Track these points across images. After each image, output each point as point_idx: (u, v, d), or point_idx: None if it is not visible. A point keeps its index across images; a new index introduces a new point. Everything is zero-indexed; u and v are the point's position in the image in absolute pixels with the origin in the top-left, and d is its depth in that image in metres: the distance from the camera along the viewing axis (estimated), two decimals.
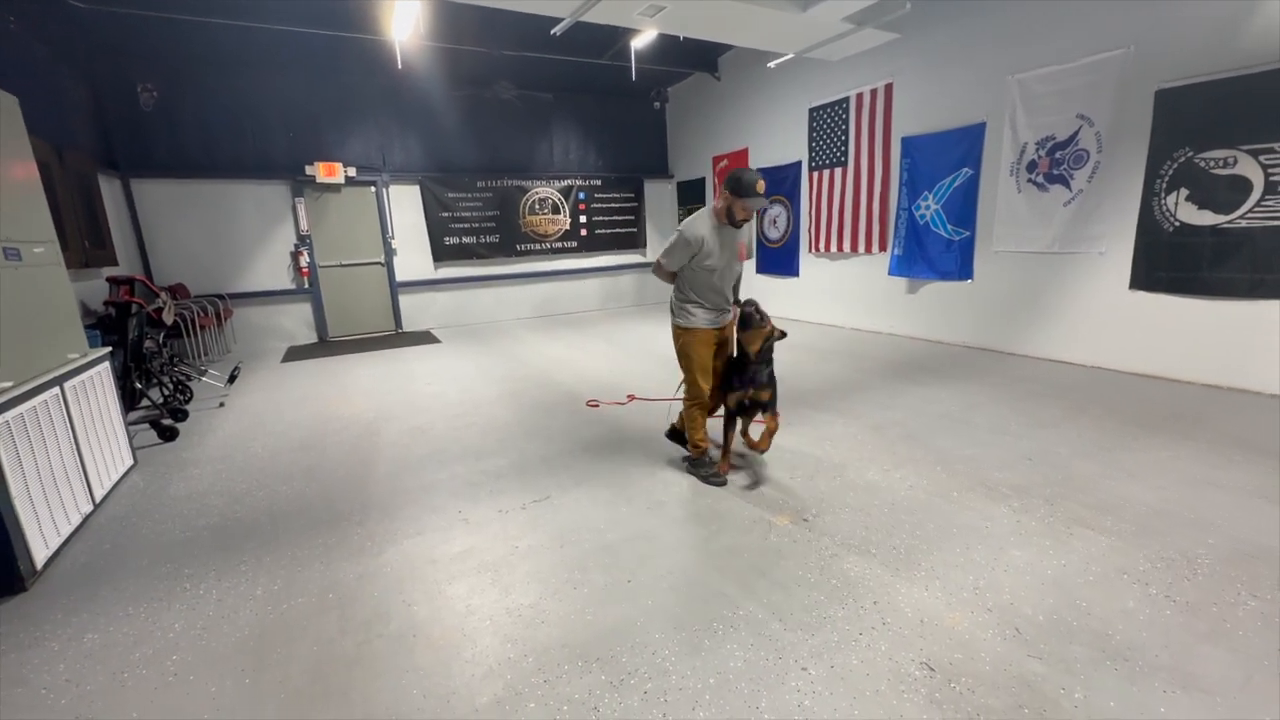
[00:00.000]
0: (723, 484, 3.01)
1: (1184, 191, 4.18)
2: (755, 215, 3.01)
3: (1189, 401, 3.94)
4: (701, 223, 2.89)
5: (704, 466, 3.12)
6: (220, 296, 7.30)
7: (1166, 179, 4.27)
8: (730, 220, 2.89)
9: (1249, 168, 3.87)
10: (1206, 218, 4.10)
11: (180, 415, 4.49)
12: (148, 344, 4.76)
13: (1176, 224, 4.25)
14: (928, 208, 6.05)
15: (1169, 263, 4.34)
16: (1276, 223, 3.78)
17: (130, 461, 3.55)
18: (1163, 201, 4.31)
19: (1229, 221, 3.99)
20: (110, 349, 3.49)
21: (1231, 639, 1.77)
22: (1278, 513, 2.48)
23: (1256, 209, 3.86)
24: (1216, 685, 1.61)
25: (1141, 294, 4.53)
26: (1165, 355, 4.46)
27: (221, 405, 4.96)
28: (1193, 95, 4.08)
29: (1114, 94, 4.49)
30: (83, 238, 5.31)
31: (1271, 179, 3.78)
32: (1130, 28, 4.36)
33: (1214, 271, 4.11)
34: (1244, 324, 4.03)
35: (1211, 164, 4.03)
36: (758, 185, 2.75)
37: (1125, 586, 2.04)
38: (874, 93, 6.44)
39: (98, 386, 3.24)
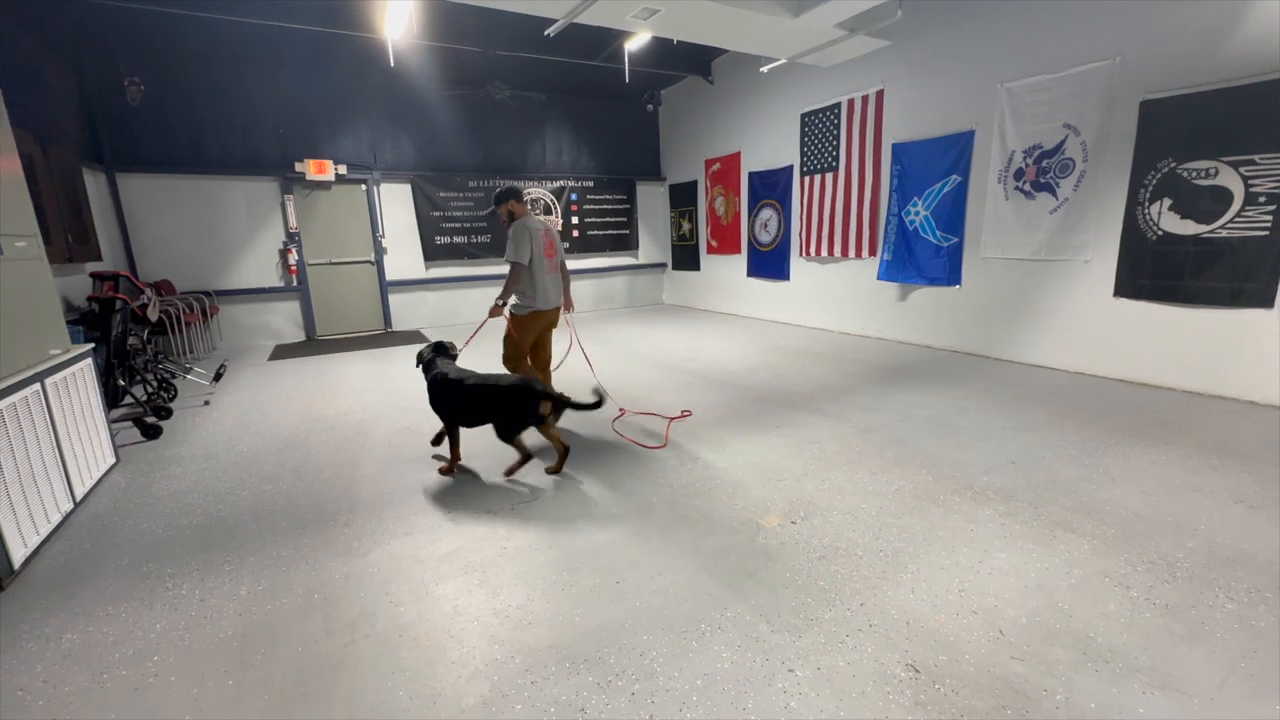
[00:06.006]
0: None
1: (1167, 201, 4.26)
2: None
3: (1170, 408, 4.00)
4: None
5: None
6: (206, 293, 7.22)
7: (1150, 188, 4.34)
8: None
9: (1230, 179, 3.94)
10: (1189, 227, 4.17)
11: (164, 413, 4.43)
12: (131, 341, 4.70)
13: (1160, 233, 4.33)
14: (917, 214, 6.11)
15: (1152, 271, 4.41)
16: (1256, 233, 3.86)
17: (112, 459, 3.50)
18: (1146, 211, 4.38)
19: (1210, 231, 4.06)
20: (93, 345, 3.44)
21: (1209, 641, 1.80)
22: (1256, 518, 2.52)
23: (1237, 219, 3.94)
24: (1194, 687, 1.63)
25: (1125, 301, 4.60)
26: (1148, 362, 4.54)
27: (206, 403, 4.90)
28: (1176, 106, 4.15)
29: (1100, 104, 4.56)
30: (66, 232, 5.24)
31: (1251, 190, 3.85)
32: (1117, 39, 4.43)
33: (1195, 280, 4.18)
34: (1224, 332, 4.10)
35: (1194, 174, 4.10)
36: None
37: (1107, 589, 2.07)
38: (865, 99, 6.50)
39: (80, 383, 3.19)
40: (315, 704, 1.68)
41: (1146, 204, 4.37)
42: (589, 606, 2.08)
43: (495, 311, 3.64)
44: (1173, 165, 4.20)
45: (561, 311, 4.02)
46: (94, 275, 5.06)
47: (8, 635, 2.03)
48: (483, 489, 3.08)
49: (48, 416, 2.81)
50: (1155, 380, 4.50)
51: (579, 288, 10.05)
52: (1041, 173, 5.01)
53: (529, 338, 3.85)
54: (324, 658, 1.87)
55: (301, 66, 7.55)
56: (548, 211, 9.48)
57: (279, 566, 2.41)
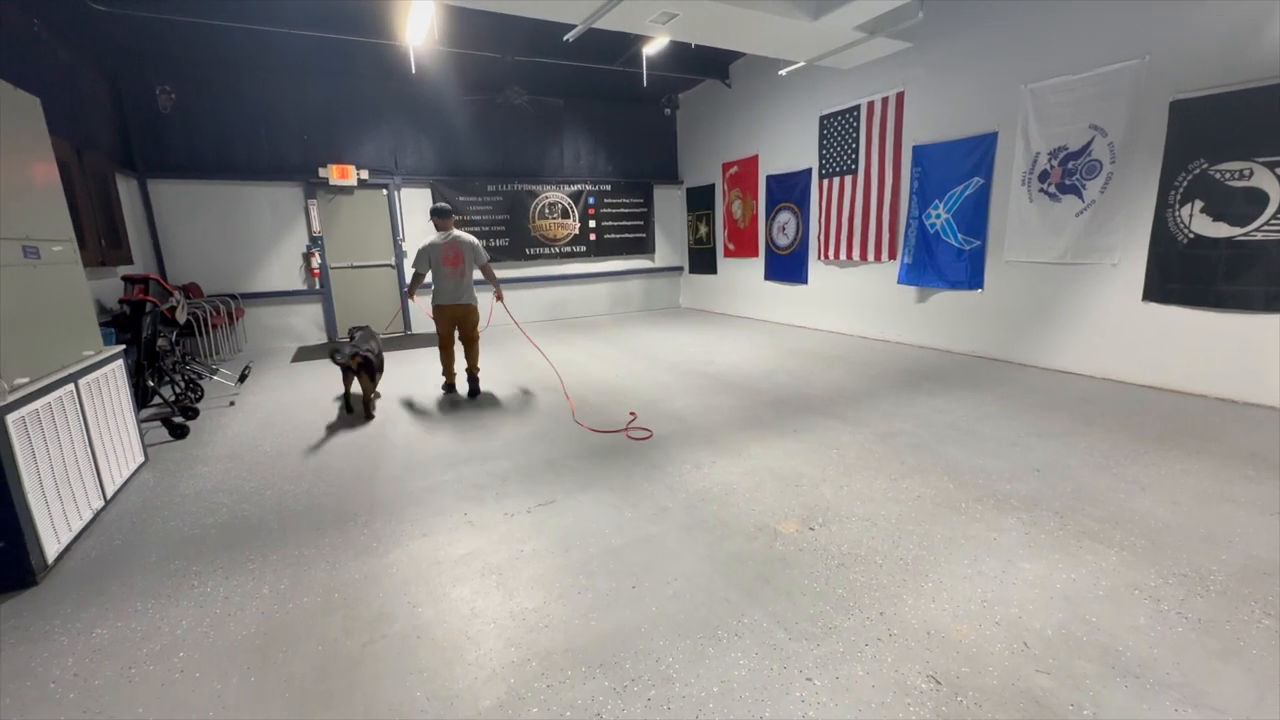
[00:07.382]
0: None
1: (1199, 203, 4.15)
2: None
3: (1202, 415, 3.89)
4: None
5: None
6: (232, 296, 7.38)
7: (1181, 190, 4.23)
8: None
9: (1265, 180, 3.83)
10: (1222, 230, 4.05)
11: (191, 413, 4.54)
12: (160, 342, 4.81)
13: (1191, 236, 4.21)
14: (938, 216, 6.03)
15: (1183, 275, 4.29)
16: None
17: (141, 458, 3.59)
18: (1177, 213, 4.27)
19: (1245, 234, 3.95)
20: (124, 347, 3.53)
21: (1245, 657, 1.75)
22: None
23: (1273, 221, 3.82)
24: (1229, 704, 1.58)
25: (1154, 306, 4.48)
26: (1178, 368, 4.41)
27: (232, 404, 5.00)
28: (1208, 106, 4.04)
29: (1128, 104, 4.46)
30: (100, 237, 5.39)
31: None
32: (1145, 38, 4.34)
33: (1229, 284, 4.06)
34: (1259, 337, 3.98)
35: (1227, 176, 3.99)
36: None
37: (1136, 602, 2.02)
38: (885, 101, 6.44)
39: (111, 384, 3.28)
40: (335, 703, 1.71)
41: (1177, 206, 4.26)
42: (605, 610, 2.08)
43: (409, 296, 5.01)
44: (1204, 166, 4.09)
45: (499, 303, 5.34)
46: (125, 278, 5.18)
47: (41, 628, 2.09)
48: (499, 492, 3.09)
49: (81, 416, 2.89)
50: (1186, 387, 4.38)
51: (595, 291, 10.12)
52: (1067, 174, 4.91)
53: (441, 324, 4.97)
54: (343, 657, 1.89)
55: (325, 74, 7.69)
56: (565, 215, 9.55)
57: (300, 565, 2.45)
